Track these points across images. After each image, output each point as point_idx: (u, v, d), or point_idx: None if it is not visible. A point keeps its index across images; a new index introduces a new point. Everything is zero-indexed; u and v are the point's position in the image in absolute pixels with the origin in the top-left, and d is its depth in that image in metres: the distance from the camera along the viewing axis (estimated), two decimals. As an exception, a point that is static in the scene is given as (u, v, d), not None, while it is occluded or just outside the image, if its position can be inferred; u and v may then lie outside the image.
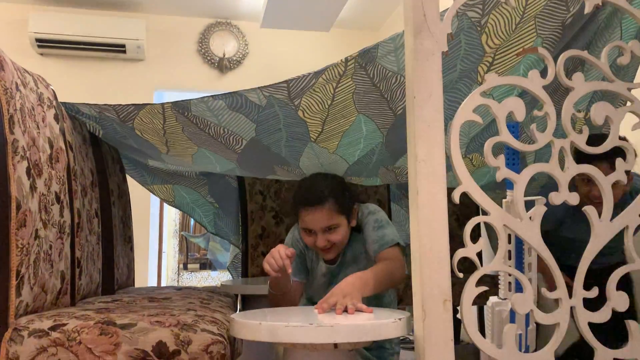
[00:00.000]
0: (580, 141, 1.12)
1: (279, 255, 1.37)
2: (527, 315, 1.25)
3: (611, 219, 1.09)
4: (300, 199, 1.57)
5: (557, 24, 1.48)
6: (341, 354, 1.21)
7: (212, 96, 1.68)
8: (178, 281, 6.53)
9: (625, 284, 1.16)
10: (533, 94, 1.11)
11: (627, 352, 1.09)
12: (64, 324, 1.16)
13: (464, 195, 1.02)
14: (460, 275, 1.01)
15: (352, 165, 2.11)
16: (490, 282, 2.81)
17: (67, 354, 1.13)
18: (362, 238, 1.66)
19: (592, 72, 1.72)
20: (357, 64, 1.55)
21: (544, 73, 1.11)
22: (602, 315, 1.08)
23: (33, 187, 1.27)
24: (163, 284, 5.39)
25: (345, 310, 1.25)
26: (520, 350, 1.19)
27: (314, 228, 1.52)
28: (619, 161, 1.13)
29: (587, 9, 1.16)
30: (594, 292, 1.08)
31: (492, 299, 1.30)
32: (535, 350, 1.35)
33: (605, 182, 1.12)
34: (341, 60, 1.54)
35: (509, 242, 1.28)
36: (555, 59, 1.13)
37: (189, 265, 7.00)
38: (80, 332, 1.15)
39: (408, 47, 1.07)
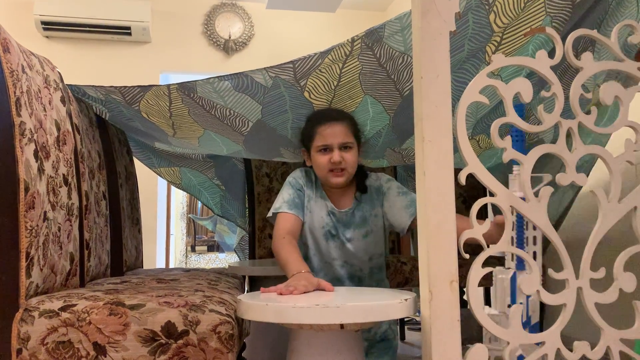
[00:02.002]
0: (589, 122, 1.11)
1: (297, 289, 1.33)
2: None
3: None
4: (319, 116, 1.62)
5: (567, 3, 1.45)
6: (347, 335, 1.21)
7: (217, 77, 1.67)
8: (186, 263, 6.59)
9: None
10: (541, 74, 1.09)
11: (633, 332, 1.09)
12: (74, 305, 1.18)
13: (471, 177, 1.02)
14: (467, 256, 1.01)
15: (359, 147, 2.11)
16: (497, 263, 2.80)
17: (77, 333, 1.14)
18: (371, 201, 1.68)
19: (603, 52, 1.70)
20: (363, 44, 1.54)
21: (552, 53, 1.10)
22: (609, 296, 1.08)
23: (41, 170, 1.28)
24: (171, 266, 5.44)
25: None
26: (522, 321, 1.21)
27: (332, 142, 1.55)
28: (627, 141, 1.12)
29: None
30: (601, 273, 1.08)
31: (498, 268, 1.33)
32: (541, 326, 1.36)
33: (614, 163, 1.11)
34: (347, 40, 1.53)
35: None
36: (564, 39, 1.11)
37: (197, 247, 7.06)
38: (90, 313, 1.16)
39: (415, 27, 1.05)
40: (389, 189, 1.71)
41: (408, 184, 3.19)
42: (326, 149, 1.58)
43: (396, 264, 2.46)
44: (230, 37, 4.28)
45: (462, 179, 1.00)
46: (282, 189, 1.70)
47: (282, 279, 1.78)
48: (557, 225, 2.22)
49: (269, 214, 1.68)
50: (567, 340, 1.04)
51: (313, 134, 1.61)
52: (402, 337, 3.14)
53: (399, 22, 1.48)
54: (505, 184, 1.09)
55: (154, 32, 4.15)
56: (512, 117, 1.07)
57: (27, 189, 1.19)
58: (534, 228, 1.31)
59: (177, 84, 1.71)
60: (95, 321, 1.15)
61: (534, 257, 1.32)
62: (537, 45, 1.59)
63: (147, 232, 2.80)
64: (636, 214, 1.11)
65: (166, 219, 4.80)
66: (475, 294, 1.01)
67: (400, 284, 2.43)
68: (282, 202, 1.64)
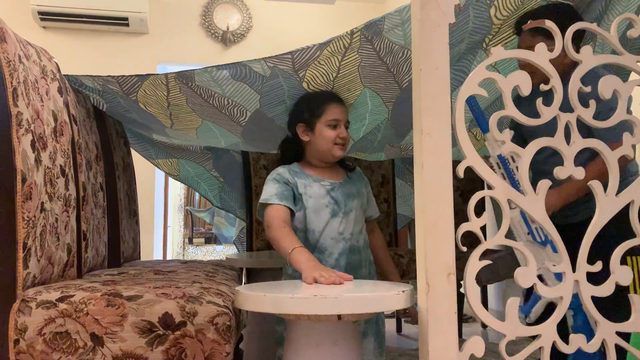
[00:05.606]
0: (587, 115, 1.11)
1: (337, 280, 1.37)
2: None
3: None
4: (328, 94, 1.78)
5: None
6: (345, 325, 1.22)
7: (215, 66, 1.67)
8: (183, 255, 6.60)
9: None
10: (540, 67, 1.09)
11: (629, 325, 1.10)
12: (71, 296, 1.18)
13: (469, 170, 1.02)
14: (464, 249, 1.01)
15: (357, 142, 2.11)
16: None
17: (74, 324, 1.15)
18: (357, 180, 1.80)
19: (603, 47, 1.70)
20: (362, 37, 1.53)
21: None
22: (606, 289, 1.09)
23: (38, 160, 1.27)
24: (169, 258, 5.44)
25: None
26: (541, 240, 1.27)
27: (342, 119, 1.71)
28: (626, 135, 1.12)
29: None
30: (597, 267, 1.08)
31: (508, 210, 1.34)
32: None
33: (611, 156, 1.11)
34: (347, 32, 1.52)
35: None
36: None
37: (194, 240, 7.06)
38: (88, 304, 1.16)
39: (415, 18, 1.05)
40: (368, 183, 1.84)
41: (406, 177, 3.20)
42: (336, 125, 1.70)
43: (393, 257, 2.46)
44: (228, 29, 4.26)
45: (461, 172, 1.00)
46: (266, 185, 1.71)
47: (279, 271, 1.78)
48: None
49: (258, 206, 1.67)
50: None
51: (324, 109, 1.71)
52: (399, 330, 3.15)
53: (399, 15, 1.47)
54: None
55: (152, 23, 4.12)
56: (510, 109, 1.06)
57: (24, 180, 1.19)
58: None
59: (175, 72, 1.70)
60: (93, 312, 1.15)
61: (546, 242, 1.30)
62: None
63: (144, 224, 2.80)
64: (633, 208, 1.11)
65: (164, 210, 4.79)
66: (472, 286, 1.01)
67: (397, 277, 2.43)
68: (271, 195, 1.65)
